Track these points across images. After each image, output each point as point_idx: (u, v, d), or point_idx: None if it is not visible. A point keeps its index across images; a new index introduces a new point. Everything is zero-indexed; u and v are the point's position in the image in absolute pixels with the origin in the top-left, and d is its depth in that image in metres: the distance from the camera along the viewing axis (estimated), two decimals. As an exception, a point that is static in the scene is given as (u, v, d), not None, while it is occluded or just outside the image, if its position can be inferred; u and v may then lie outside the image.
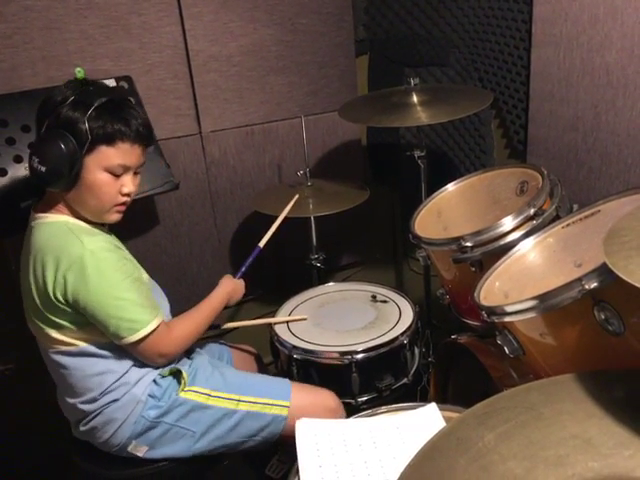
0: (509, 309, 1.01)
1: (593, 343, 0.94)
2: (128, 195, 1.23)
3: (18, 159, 1.49)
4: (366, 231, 2.39)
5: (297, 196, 1.83)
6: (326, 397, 1.41)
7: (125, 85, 1.70)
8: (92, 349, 1.22)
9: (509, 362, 1.30)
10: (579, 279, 0.88)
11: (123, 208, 1.25)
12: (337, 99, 2.15)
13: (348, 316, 1.67)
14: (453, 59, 2.11)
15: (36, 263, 1.18)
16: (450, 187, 1.68)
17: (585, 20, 1.56)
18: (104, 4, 1.74)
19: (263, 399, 1.33)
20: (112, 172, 1.19)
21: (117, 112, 1.17)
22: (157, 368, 1.30)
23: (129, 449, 1.28)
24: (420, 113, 1.65)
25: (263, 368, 1.71)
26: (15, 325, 1.84)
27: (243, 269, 1.62)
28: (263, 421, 1.33)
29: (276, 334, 1.61)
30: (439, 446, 0.78)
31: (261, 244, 1.68)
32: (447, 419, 1.07)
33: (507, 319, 1.02)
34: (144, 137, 1.22)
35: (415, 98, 1.71)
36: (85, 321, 1.19)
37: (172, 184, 1.72)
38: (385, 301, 1.73)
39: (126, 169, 1.21)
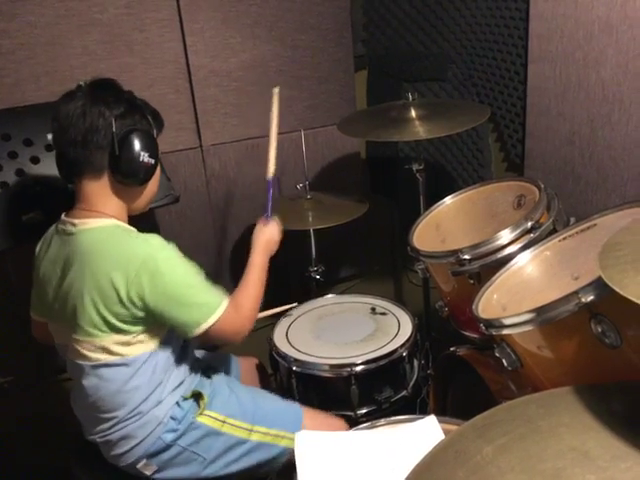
0: (507, 322, 1.02)
1: (590, 356, 0.94)
2: None
3: (20, 173, 1.50)
4: (365, 244, 2.40)
5: (277, 90, 1.60)
6: (335, 424, 1.41)
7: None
8: (136, 361, 1.20)
9: (508, 375, 1.30)
10: (576, 292, 0.89)
11: None
12: (336, 113, 2.17)
13: (347, 328, 1.68)
14: (451, 74, 2.14)
15: (97, 269, 1.14)
16: (448, 200, 1.69)
17: (580, 37, 1.58)
18: (107, 20, 1.77)
19: (275, 430, 1.33)
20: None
21: (149, 105, 1.27)
22: (179, 387, 1.28)
23: (138, 466, 1.26)
24: (418, 127, 1.67)
25: (266, 379, 1.71)
26: (15, 338, 1.85)
27: (269, 209, 1.51)
28: (272, 453, 1.33)
29: (275, 347, 1.62)
30: (437, 458, 0.79)
31: (269, 176, 1.56)
32: (446, 431, 1.08)
33: (505, 332, 1.03)
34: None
35: (413, 113, 1.73)
36: (148, 324, 1.18)
37: (172, 197, 1.73)
38: (384, 313, 1.74)
39: None
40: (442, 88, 2.18)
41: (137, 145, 1.17)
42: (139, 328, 1.18)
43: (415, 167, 1.81)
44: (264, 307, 1.59)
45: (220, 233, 2.15)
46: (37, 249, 1.30)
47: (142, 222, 1.93)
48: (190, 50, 1.91)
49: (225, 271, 2.18)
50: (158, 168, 1.26)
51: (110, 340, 1.17)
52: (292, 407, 1.41)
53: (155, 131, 1.24)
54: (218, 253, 2.17)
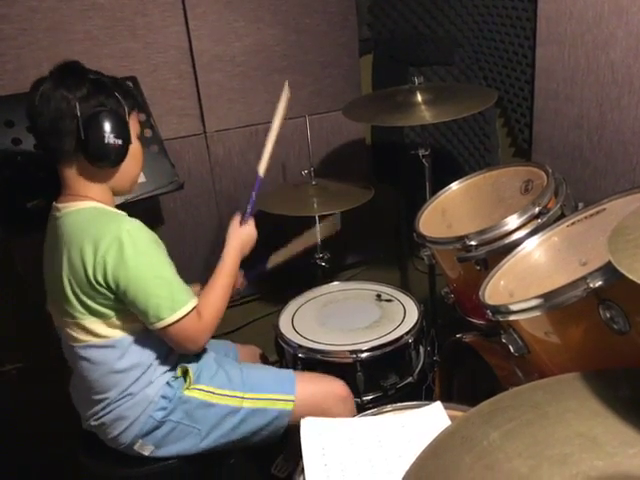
0: (514, 308, 1.01)
1: (598, 342, 0.94)
2: None
3: (23, 159, 1.49)
4: (370, 230, 2.39)
5: (286, 84, 1.54)
6: (334, 385, 1.41)
7: (130, 85, 1.70)
8: (122, 342, 1.22)
9: (514, 361, 1.30)
10: (584, 277, 0.88)
11: None
12: (341, 98, 2.15)
13: (353, 315, 1.68)
14: (457, 58, 2.11)
15: (72, 250, 1.16)
16: (454, 186, 1.67)
17: (590, 18, 1.55)
18: (109, 5, 1.75)
19: (267, 394, 1.34)
20: (138, 138, 1.27)
21: (124, 83, 1.27)
22: (171, 369, 1.29)
23: (135, 447, 1.28)
24: (424, 112, 1.65)
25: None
26: (21, 325, 1.86)
27: (249, 208, 1.49)
28: (268, 417, 1.33)
29: (281, 333, 1.62)
30: (444, 444, 0.79)
31: (261, 172, 1.51)
32: (452, 418, 1.07)
33: (512, 318, 1.02)
34: None
35: (419, 97, 1.71)
36: (123, 308, 1.19)
37: (177, 184, 1.72)
38: (390, 300, 1.74)
39: None
40: (449, 72, 2.15)
41: (102, 127, 1.15)
42: (112, 312, 1.19)
43: (421, 152, 1.79)
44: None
45: (225, 220, 2.12)
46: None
47: (146, 209, 1.93)
48: (193, 34, 1.89)
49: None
50: (135, 148, 1.25)
51: (90, 322, 1.20)
52: (284, 372, 1.42)
53: (126, 109, 1.20)
54: (223, 239, 2.16)
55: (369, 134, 2.38)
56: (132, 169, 1.27)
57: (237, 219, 1.48)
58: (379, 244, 2.51)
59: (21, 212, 1.46)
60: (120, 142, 1.18)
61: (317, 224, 1.72)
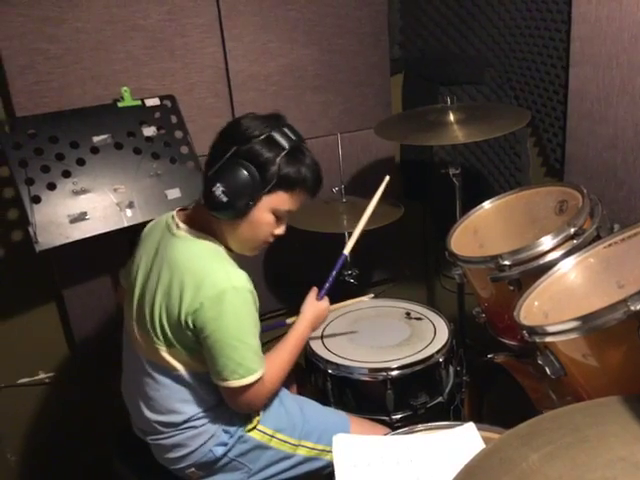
0: (551, 329, 1.00)
1: (637, 365, 0.92)
2: (277, 237, 1.25)
3: (66, 174, 1.54)
4: (399, 248, 2.39)
5: (387, 178, 1.62)
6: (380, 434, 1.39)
7: (168, 104, 1.75)
8: (189, 377, 1.21)
9: (548, 383, 1.29)
10: (624, 300, 0.87)
11: (265, 247, 1.27)
12: (372, 117, 2.17)
13: (382, 332, 1.68)
14: (488, 77, 2.11)
15: (173, 277, 1.15)
16: (486, 205, 1.67)
17: (625, 40, 1.55)
18: (150, 26, 1.81)
19: (322, 445, 1.34)
20: (277, 215, 1.20)
21: (304, 160, 1.18)
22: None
23: (187, 472, 1.28)
24: (457, 132, 1.66)
25: (303, 378, 1.70)
26: (56, 336, 1.90)
27: (327, 285, 1.47)
28: (315, 465, 1.35)
29: (311, 349, 1.62)
30: (482, 465, 0.78)
31: (346, 251, 1.52)
32: (484, 439, 1.07)
33: (549, 339, 1.02)
34: (318, 190, 1.23)
35: (452, 117, 1.72)
36: (198, 349, 1.18)
37: (211, 199, 1.75)
38: (419, 318, 1.73)
39: (288, 214, 1.23)
40: (479, 91, 2.16)
41: (223, 177, 1.12)
42: (185, 351, 1.18)
43: (451, 171, 1.79)
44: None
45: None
46: (147, 228, 1.33)
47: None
48: (229, 55, 1.94)
49: (259, 273, 2.20)
50: (257, 217, 1.17)
51: (162, 350, 1.19)
52: (340, 420, 1.40)
53: (273, 184, 1.14)
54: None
55: (398, 152, 2.40)
56: (244, 233, 1.20)
57: (314, 292, 1.45)
58: (407, 262, 2.50)
59: (62, 224, 1.51)
60: (225, 199, 1.12)
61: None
